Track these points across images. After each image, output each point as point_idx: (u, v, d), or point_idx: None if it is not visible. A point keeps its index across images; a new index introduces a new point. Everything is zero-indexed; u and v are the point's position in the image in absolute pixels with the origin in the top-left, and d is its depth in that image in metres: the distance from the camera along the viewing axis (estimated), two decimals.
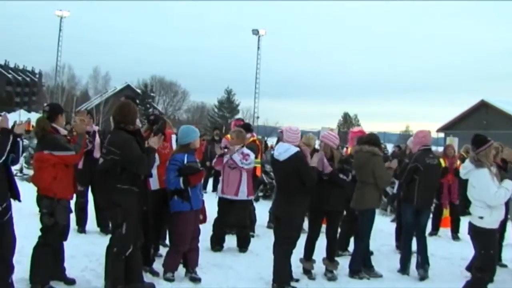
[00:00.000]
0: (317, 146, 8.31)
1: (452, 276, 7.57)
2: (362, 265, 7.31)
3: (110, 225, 5.93)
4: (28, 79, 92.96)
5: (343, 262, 7.38)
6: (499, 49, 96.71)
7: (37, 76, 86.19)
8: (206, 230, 7.49)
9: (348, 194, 7.34)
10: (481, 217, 5.94)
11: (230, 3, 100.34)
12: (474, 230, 6.04)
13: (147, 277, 6.23)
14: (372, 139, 7.47)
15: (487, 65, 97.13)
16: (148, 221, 6.24)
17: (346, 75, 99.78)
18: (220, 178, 8.61)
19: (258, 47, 52.61)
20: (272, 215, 9.52)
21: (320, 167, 6.86)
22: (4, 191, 5.13)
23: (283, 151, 6.38)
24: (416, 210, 7.54)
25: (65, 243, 6.07)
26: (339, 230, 7.67)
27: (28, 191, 5.93)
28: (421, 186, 7.46)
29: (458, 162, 10.81)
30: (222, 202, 8.40)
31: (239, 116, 63.01)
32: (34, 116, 27.09)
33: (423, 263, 7.46)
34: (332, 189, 6.92)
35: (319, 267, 7.21)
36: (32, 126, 11.68)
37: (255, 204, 9.53)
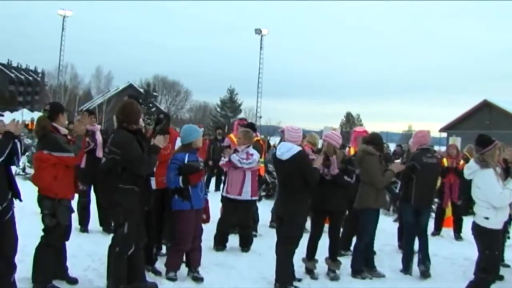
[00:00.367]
0: (320, 146, 8.33)
1: (454, 276, 7.55)
2: (364, 265, 7.30)
3: (112, 224, 5.96)
4: (30, 78, 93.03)
5: (346, 261, 7.36)
6: (500, 49, 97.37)
7: (39, 75, 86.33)
8: (208, 230, 7.47)
9: (351, 194, 7.32)
10: (487, 218, 5.90)
11: (232, 3, 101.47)
12: (478, 230, 6.00)
13: (150, 277, 6.22)
14: (375, 139, 7.47)
15: (487, 65, 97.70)
16: (150, 220, 6.25)
17: (348, 75, 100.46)
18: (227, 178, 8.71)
19: (261, 47, 52.73)
20: (274, 215, 9.49)
21: (332, 169, 6.88)
22: (3, 191, 5.11)
23: (286, 150, 6.37)
24: (416, 210, 7.54)
25: (67, 242, 6.06)
26: (341, 229, 7.64)
27: (30, 190, 5.92)
28: (418, 185, 7.47)
29: (462, 162, 10.76)
30: (226, 202, 8.43)
31: (241, 115, 63.04)
32: (36, 116, 27.14)
33: (424, 260, 7.48)
34: (334, 188, 6.93)
35: (321, 266, 7.19)
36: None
37: (257, 203, 9.50)
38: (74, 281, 6.03)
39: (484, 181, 5.95)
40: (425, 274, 7.38)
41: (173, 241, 6.56)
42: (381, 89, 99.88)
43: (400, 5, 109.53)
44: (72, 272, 6.16)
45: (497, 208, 5.89)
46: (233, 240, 8.46)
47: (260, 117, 52.77)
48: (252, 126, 9.70)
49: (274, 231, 6.98)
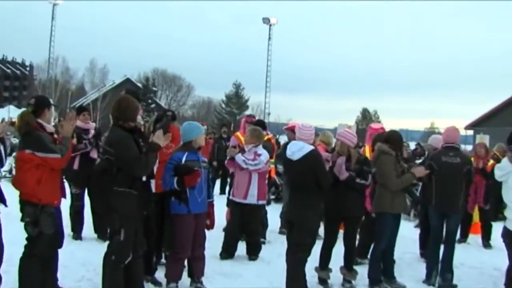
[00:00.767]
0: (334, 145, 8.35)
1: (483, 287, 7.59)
2: (382, 274, 7.28)
3: (108, 231, 5.89)
4: (18, 72, 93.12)
5: (362, 271, 7.33)
6: None
7: (27, 68, 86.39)
8: (213, 236, 7.52)
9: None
10: None
11: None
12: (510, 236, 6.02)
13: None
14: (392, 137, 7.43)
15: None
16: (150, 226, 6.26)
17: (365, 68, 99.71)
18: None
19: (269, 37, 52.59)
20: (284, 220, 9.53)
21: (337, 172, 6.88)
22: None
23: (297, 149, 6.40)
24: (442, 214, 7.51)
25: (59, 250, 5.99)
26: (357, 236, 7.65)
27: (16, 194, 5.77)
28: (438, 186, 7.47)
29: (491, 162, 10.66)
30: (232, 206, 8.50)
31: (248, 112, 63.05)
32: None
33: (444, 272, 7.44)
34: (349, 192, 6.93)
35: (336, 276, 7.18)
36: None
37: (266, 207, 9.52)
38: None
39: None
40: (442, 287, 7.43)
41: (172, 249, 6.57)
42: (401, 83, 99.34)
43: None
44: (64, 283, 6.12)
45: None
46: (240, 247, 8.46)
47: (269, 113, 52.76)
48: (262, 124, 9.76)
49: (284, 237, 7.03)
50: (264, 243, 9.07)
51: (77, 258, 7.40)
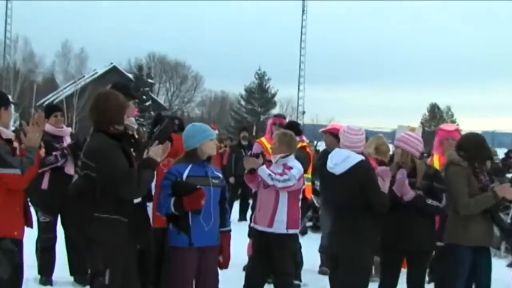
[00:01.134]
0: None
1: None
2: None
3: (89, 272, 5.93)
4: None
5: None
6: None
7: None
8: (229, 278, 7.40)
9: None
10: None
11: None
12: None
13: None
14: (466, 142, 7.34)
15: None
16: (145, 263, 6.29)
17: (432, 50, 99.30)
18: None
19: (303, 11, 53.20)
20: (325, 255, 9.54)
21: (399, 191, 6.87)
22: None
23: (341, 160, 6.47)
24: None
25: None
26: (427, 277, 7.65)
27: None
28: None
29: None
30: (254, 236, 8.48)
31: (276, 111, 63.03)
32: None
33: None
34: (415, 217, 6.91)
35: None
36: None
37: (301, 239, 9.51)
38: None
39: None
40: None
41: None
42: (484, 71, 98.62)
43: None
44: None
45: None
46: None
47: (303, 112, 53.00)
48: (294, 127, 9.76)
49: (325, 279, 7.20)
50: (299, 286, 9.11)
51: None
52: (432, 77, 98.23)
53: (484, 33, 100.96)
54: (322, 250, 10.25)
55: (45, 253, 8.94)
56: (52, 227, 8.92)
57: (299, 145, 9.50)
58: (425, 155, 9.38)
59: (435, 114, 74.06)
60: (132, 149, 5.78)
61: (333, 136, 8.96)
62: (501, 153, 22.93)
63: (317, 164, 9.36)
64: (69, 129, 9.38)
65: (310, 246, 10.63)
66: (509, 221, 10.69)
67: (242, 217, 15.58)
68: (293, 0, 54.14)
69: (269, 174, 8.02)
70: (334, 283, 6.59)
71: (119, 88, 6.68)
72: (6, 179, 5.45)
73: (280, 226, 8.11)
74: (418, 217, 6.92)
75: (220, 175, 6.82)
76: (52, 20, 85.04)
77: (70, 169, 8.59)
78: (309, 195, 11.05)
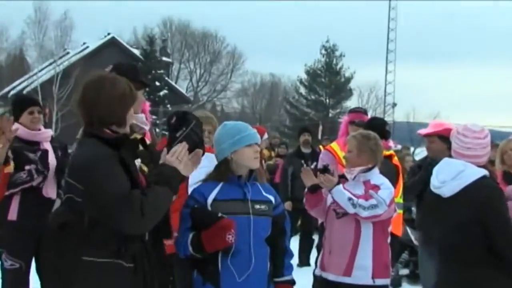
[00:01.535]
0: None
1: None
2: None
3: None
4: None
5: None
6: None
7: None
8: None
9: None
10: None
11: None
12: None
13: None
14: None
15: None
16: None
17: None
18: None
19: None
20: None
21: None
22: None
23: (451, 176, 6.47)
24: None
25: None
26: None
27: None
28: None
29: None
30: (322, 287, 8.27)
31: (352, 103, 63.09)
32: None
33: None
34: None
35: None
36: None
37: None
38: None
39: None
40: None
41: None
42: None
43: None
44: None
45: None
46: None
47: (393, 105, 52.85)
48: (379, 127, 9.63)
49: None
50: None
51: None
52: None
53: None
54: None
55: None
56: (24, 277, 8.68)
57: (386, 153, 9.28)
58: None
59: None
60: (135, 160, 5.58)
61: (441, 140, 8.94)
62: None
63: (414, 182, 9.18)
64: (49, 132, 9.15)
65: None
66: None
67: (304, 261, 15.30)
68: None
69: (350, 198, 7.74)
70: None
71: (123, 71, 6.34)
72: None
73: (362, 274, 7.94)
74: None
75: (272, 198, 6.57)
76: None
77: (50, 191, 8.53)
78: (399, 229, 10.76)
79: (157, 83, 61.23)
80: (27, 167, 8.43)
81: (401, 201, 9.93)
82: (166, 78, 65.53)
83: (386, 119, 17.74)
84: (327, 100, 66.77)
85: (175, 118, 6.13)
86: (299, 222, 15.80)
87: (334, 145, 10.19)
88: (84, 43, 64.99)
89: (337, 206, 7.87)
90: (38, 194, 8.45)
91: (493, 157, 8.79)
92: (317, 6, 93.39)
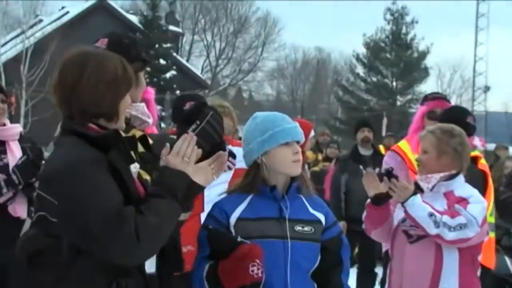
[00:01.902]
0: None
1: None
2: None
3: None
4: None
5: None
6: None
7: None
8: None
9: None
10: None
11: None
12: None
13: None
14: None
15: None
16: None
17: None
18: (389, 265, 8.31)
19: None
20: None
21: None
22: None
23: None
24: None
25: None
26: None
27: None
28: None
29: None
30: None
31: (429, 87, 63.08)
32: None
33: None
34: None
35: None
36: None
37: None
38: None
39: None
40: None
41: None
42: None
43: None
44: None
45: None
46: None
47: (486, 89, 53.14)
48: (458, 118, 9.39)
49: None
50: None
51: None
52: None
53: None
54: None
55: None
56: None
57: (471, 154, 9.09)
58: None
59: None
60: (136, 166, 5.73)
61: None
62: None
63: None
64: (18, 127, 9.24)
65: None
66: None
67: None
68: None
69: (431, 214, 7.64)
70: None
71: (118, 44, 6.28)
72: None
73: None
74: None
75: (321, 217, 6.62)
76: None
77: (19, 209, 8.63)
78: (492, 258, 10.76)
79: (162, 62, 60.79)
80: None
81: (492, 220, 9.78)
82: (175, 55, 64.65)
83: (476, 108, 17.77)
84: (394, 84, 66.61)
85: (189, 108, 6.14)
86: (356, 250, 15.75)
87: (403, 144, 9.99)
88: (62, 8, 64.72)
89: (409, 226, 7.80)
90: (3, 212, 8.43)
91: None
92: None
